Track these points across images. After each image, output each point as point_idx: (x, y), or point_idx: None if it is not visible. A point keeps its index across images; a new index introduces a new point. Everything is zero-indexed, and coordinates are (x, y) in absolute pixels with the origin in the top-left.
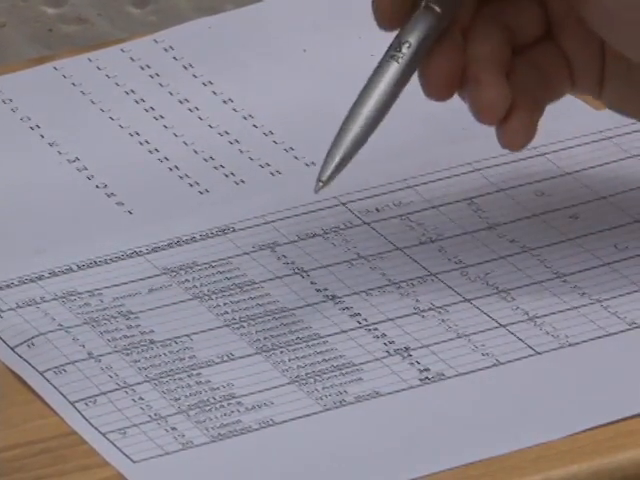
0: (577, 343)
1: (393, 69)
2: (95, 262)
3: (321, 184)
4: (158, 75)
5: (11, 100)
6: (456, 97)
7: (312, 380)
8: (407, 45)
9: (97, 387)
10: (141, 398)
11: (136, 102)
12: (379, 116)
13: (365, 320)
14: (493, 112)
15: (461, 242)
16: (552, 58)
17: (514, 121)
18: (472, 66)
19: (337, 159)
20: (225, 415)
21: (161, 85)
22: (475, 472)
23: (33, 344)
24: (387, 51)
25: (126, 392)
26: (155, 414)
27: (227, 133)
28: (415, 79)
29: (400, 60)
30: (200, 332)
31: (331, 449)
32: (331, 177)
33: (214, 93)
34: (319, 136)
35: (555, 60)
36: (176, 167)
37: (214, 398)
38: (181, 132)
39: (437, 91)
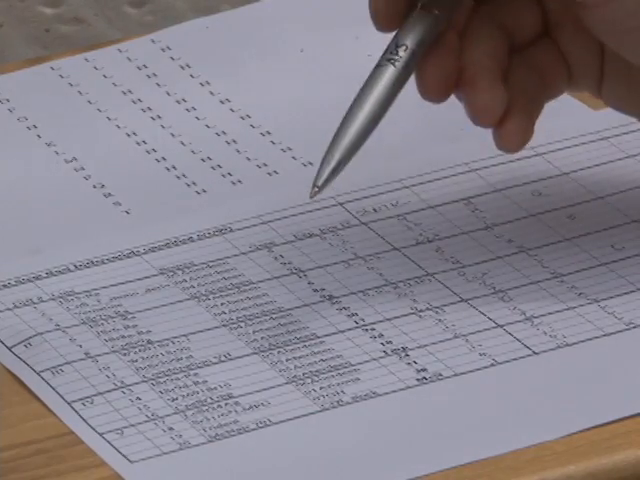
0: (574, 343)
1: (390, 72)
2: (92, 262)
3: (316, 189)
4: (155, 75)
5: (8, 100)
6: (453, 97)
7: (309, 380)
8: (404, 48)
9: (94, 387)
10: (138, 398)
11: (133, 102)
12: (375, 120)
13: (362, 320)
14: (489, 116)
15: (458, 242)
16: (550, 56)
17: (510, 124)
18: (468, 69)
19: (333, 164)
20: (222, 415)
21: (158, 85)
22: (471, 472)
23: (30, 344)
24: (384, 54)
25: (123, 392)
26: (152, 414)
27: (224, 133)
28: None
29: (397, 63)
30: (197, 332)
31: (328, 449)
32: (326, 182)
33: (211, 93)
34: (316, 136)
35: (553, 58)
36: (173, 167)
37: (211, 398)
38: (178, 132)
39: (433, 93)
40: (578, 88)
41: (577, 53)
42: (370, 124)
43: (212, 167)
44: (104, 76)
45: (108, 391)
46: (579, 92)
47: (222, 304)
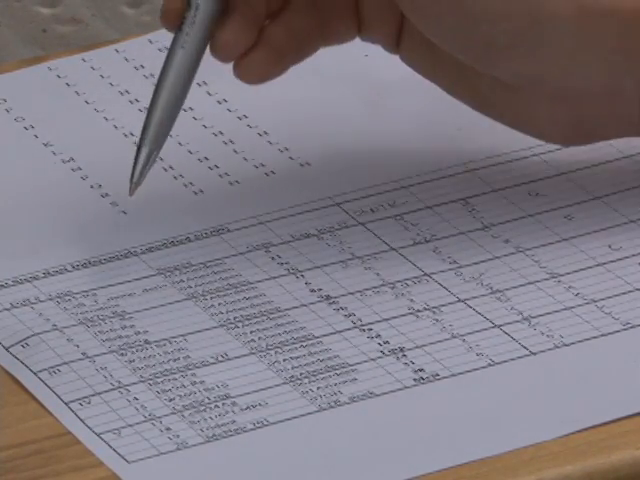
0: (571, 343)
1: (180, 56)
2: (89, 262)
3: (133, 186)
4: (152, 75)
5: (5, 100)
6: (452, 99)
7: (307, 380)
8: (187, 32)
9: (92, 387)
10: (136, 398)
11: (130, 102)
12: (175, 106)
13: (359, 320)
14: (228, 52)
15: (455, 242)
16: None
17: (253, 55)
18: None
19: (142, 158)
20: (219, 415)
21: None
22: (468, 473)
23: (27, 344)
24: (173, 39)
25: (120, 392)
26: (150, 414)
27: (221, 133)
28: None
29: (185, 46)
30: (195, 332)
31: (325, 449)
32: (142, 177)
33: (208, 93)
34: (313, 137)
35: (343, 10)
36: (170, 167)
37: (209, 398)
38: (175, 132)
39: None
40: (373, 41)
41: (374, 13)
42: (170, 109)
43: (209, 167)
44: (101, 76)
45: (105, 391)
46: (373, 43)
47: (219, 304)
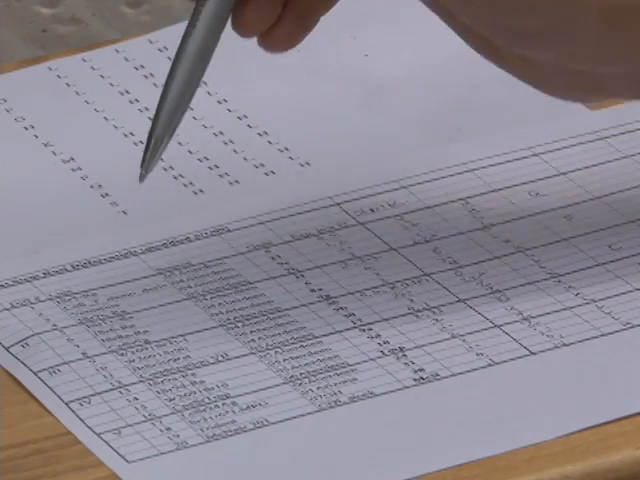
0: (571, 343)
1: (194, 37)
2: (89, 262)
3: (143, 172)
4: (152, 75)
5: (5, 100)
6: (454, 98)
7: (306, 380)
8: (200, 11)
9: (92, 387)
10: (136, 398)
11: (130, 102)
12: (188, 90)
13: (359, 320)
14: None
15: (455, 242)
16: None
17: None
18: None
19: (151, 147)
20: (219, 415)
21: (155, 85)
22: (468, 473)
23: (27, 344)
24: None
25: (121, 392)
26: (150, 414)
27: (222, 133)
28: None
29: (197, 25)
30: (194, 332)
31: (325, 449)
32: (151, 164)
33: (208, 93)
34: (313, 137)
35: None
36: (171, 167)
37: (209, 398)
38: (176, 132)
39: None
40: None
41: None
42: (183, 94)
43: (209, 167)
44: (101, 76)
45: (105, 391)
46: None
47: (219, 304)
